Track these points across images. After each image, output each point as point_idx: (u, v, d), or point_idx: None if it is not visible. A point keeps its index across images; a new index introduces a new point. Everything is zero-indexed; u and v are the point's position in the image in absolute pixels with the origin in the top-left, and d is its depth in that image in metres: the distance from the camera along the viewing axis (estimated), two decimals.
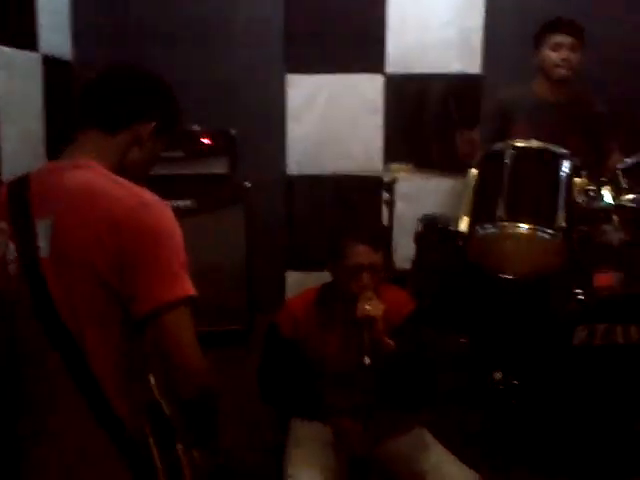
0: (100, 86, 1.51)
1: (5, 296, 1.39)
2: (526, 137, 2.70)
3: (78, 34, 3.70)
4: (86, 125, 1.46)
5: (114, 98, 1.48)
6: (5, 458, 1.43)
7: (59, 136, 3.44)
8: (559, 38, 2.98)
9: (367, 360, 1.88)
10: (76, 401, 1.32)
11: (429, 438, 2.14)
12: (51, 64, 3.34)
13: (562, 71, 3.01)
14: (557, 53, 2.99)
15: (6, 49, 2.84)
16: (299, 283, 3.77)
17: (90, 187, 1.36)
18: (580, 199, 2.42)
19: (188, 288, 1.33)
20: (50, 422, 1.38)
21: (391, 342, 1.99)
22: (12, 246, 1.38)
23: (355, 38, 3.85)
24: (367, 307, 1.96)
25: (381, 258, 2.06)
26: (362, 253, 2.04)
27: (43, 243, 1.34)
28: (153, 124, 1.48)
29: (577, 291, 2.39)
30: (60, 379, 1.32)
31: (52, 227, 1.34)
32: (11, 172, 2.83)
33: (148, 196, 1.37)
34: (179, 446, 1.36)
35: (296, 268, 3.98)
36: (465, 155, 3.02)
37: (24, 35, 3.12)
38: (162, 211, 1.36)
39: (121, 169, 1.46)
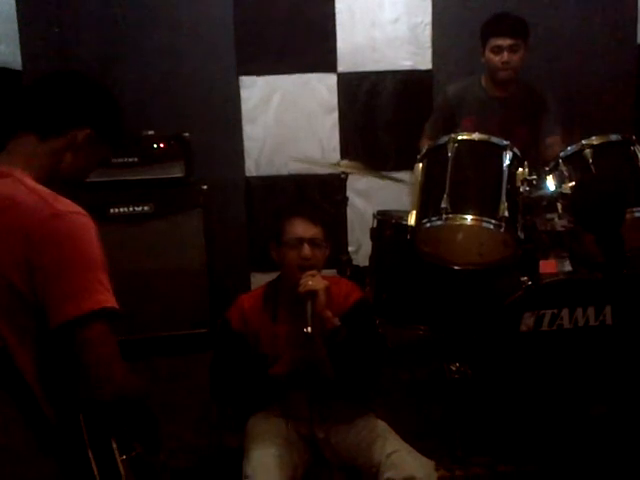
0: (35, 91, 1.51)
1: None
2: (471, 129, 2.76)
3: (27, 43, 3.68)
4: (19, 130, 1.46)
5: (48, 103, 1.48)
6: None
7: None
8: (498, 41, 3.02)
9: (309, 329, 1.91)
10: (3, 400, 1.31)
11: (385, 428, 2.17)
12: (1, 74, 3.31)
13: (503, 74, 3.08)
14: (498, 56, 3.04)
15: None
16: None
17: (5, 198, 1.36)
18: (523, 189, 2.47)
19: (101, 300, 1.30)
20: None
21: (335, 318, 2.02)
22: None
23: (306, 38, 3.89)
24: (309, 282, 2.00)
25: (321, 232, 2.10)
26: (299, 225, 2.09)
27: None
28: (88, 131, 1.47)
29: (523, 278, 2.43)
30: None
31: None
32: None
33: (62, 207, 1.35)
34: (114, 446, 1.35)
35: (259, 269, 3.99)
36: None
37: None
38: (75, 222, 1.34)
39: (54, 174, 1.46)
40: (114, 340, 1.32)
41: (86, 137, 1.48)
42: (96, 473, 1.32)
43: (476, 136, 2.55)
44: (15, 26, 3.64)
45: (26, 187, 1.38)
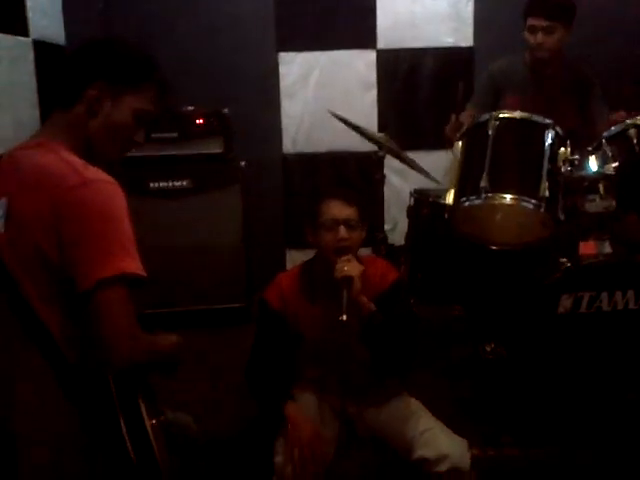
0: (60, 66, 1.54)
1: None
2: (515, 108, 2.70)
3: (71, 17, 3.72)
4: (54, 106, 1.49)
5: (63, 73, 1.49)
6: None
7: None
8: (533, 21, 2.96)
9: (344, 317, 1.91)
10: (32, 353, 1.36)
11: (418, 405, 2.18)
12: (43, 49, 3.36)
13: (537, 54, 3.02)
14: (533, 36, 2.98)
15: None
16: (298, 261, 3.80)
17: (39, 167, 1.39)
18: (565, 169, 2.42)
19: (122, 267, 1.32)
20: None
21: (370, 303, 2.02)
22: None
23: (346, 14, 3.87)
24: (345, 268, 1.99)
25: (356, 213, 2.08)
26: (335, 207, 2.07)
27: (0, 220, 1.39)
28: (99, 84, 1.44)
29: (562, 260, 2.40)
30: (19, 343, 1.37)
31: (7, 205, 1.39)
32: None
33: (90, 175, 1.36)
34: (143, 409, 1.38)
35: (295, 246, 4.02)
36: (449, 137, 3.03)
37: (14, 20, 3.12)
38: (102, 190, 1.35)
39: (88, 144, 1.47)
40: (130, 306, 1.33)
41: (99, 90, 1.45)
42: (125, 432, 1.35)
43: (518, 114, 2.51)
44: (59, 1, 3.69)
45: (58, 156, 1.40)
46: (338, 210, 2.07)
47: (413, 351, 2.15)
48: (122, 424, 1.34)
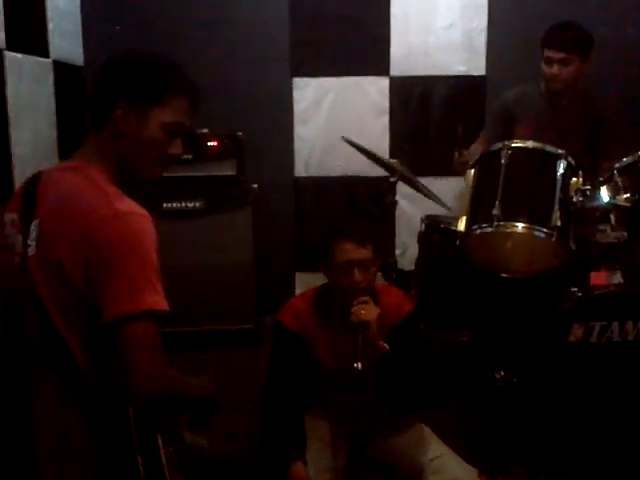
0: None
1: (10, 283, 1.45)
2: (528, 137, 2.73)
3: (89, 39, 3.79)
4: (86, 127, 1.50)
5: (92, 94, 1.49)
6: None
7: (71, 140, 3.53)
8: (550, 53, 2.98)
9: (359, 365, 1.90)
10: (58, 386, 1.37)
11: (428, 433, 2.17)
12: (62, 69, 3.42)
13: (552, 85, 3.05)
14: (549, 67, 3.00)
15: (18, 55, 2.91)
16: (308, 284, 3.80)
17: (72, 193, 1.40)
18: (576, 199, 2.45)
19: (149, 302, 1.31)
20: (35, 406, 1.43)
21: (385, 345, 2.02)
22: (20, 238, 1.44)
23: (360, 41, 3.91)
24: (362, 312, 1.98)
25: (370, 253, 2.05)
26: (349, 250, 2.04)
27: (32, 242, 1.40)
28: (122, 104, 1.42)
29: (573, 289, 2.41)
30: (44, 363, 1.38)
31: (38, 228, 1.40)
32: (23, 176, 2.89)
33: (123, 207, 1.35)
34: (160, 441, 1.37)
35: (305, 269, 4.03)
36: (457, 171, 3.08)
37: (35, 41, 3.19)
38: (134, 223, 1.35)
39: (122, 166, 1.46)
40: (157, 340, 1.33)
41: (123, 111, 1.42)
42: (140, 464, 1.35)
43: (530, 144, 2.54)
44: (79, 24, 3.77)
45: (93, 184, 1.40)
46: (352, 252, 2.03)
47: (426, 387, 2.13)
48: (137, 454, 1.34)
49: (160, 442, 1.37)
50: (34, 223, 1.41)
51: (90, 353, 1.38)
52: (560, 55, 2.96)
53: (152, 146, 1.46)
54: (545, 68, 3.02)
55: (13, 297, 1.46)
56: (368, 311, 1.99)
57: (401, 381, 2.02)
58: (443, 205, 3.16)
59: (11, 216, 1.50)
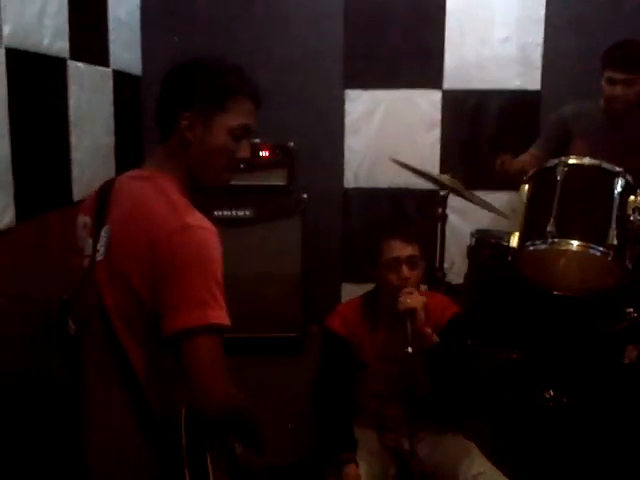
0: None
1: (78, 285, 1.48)
2: (584, 153, 2.69)
3: (147, 49, 3.90)
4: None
5: (157, 106, 1.50)
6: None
7: (128, 147, 3.62)
8: (612, 74, 2.93)
9: (410, 349, 1.94)
10: (116, 392, 1.38)
11: (473, 448, 2.16)
12: (121, 79, 3.51)
13: (615, 105, 2.99)
14: (611, 87, 2.95)
15: (79, 64, 3.00)
16: (354, 295, 3.83)
17: (142, 202, 1.41)
18: (634, 217, 2.39)
19: (211, 316, 1.31)
20: (94, 410, 1.46)
21: (434, 334, 2.04)
22: (90, 242, 1.47)
23: (413, 54, 3.92)
24: (408, 300, 2.03)
25: (417, 250, 2.13)
26: (396, 247, 2.12)
27: (101, 247, 1.42)
28: (187, 114, 1.43)
29: (629, 310, 2.36)
30: (105, 367, 1.40)
31: (108, 234, 1.42)
32: (81, 181, 2.99)
33: (192, 220, 1.35)
34: (209, 459, 1.36)
35: (351, 280, 4.03)
36: (500, 176, 3.09)
37: (96, 51, 3.28)
38: (200, 237, 1.34)
39: (191, 175, 1.47)
40: (220, 355, 1.32)
41: (188, 120, 1.44)
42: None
43: (587, 161, 2.50)
44: (138, 35, 3.88)
45: (163, 195, 1.41)
46: (400, 249, 2.11)
47: (471, 385, 2.14)
48: (186, 468, 1.33)
49: (209, 459, 1.36)
50: (104, 228, 1.43)
51: (151, 367, 1.39)
52: (624, 76, 2.90)
53: (219, 152, 1.47)
54: (607, 88, 2.96)
55: (79, 301, 1.48)
56: (414, 299, 2.04)
57: (448, 372, 2.03)
58: (501, 214, 3.13)
59: (84, 219, 1.52)
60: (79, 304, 1.48)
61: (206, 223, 1.38)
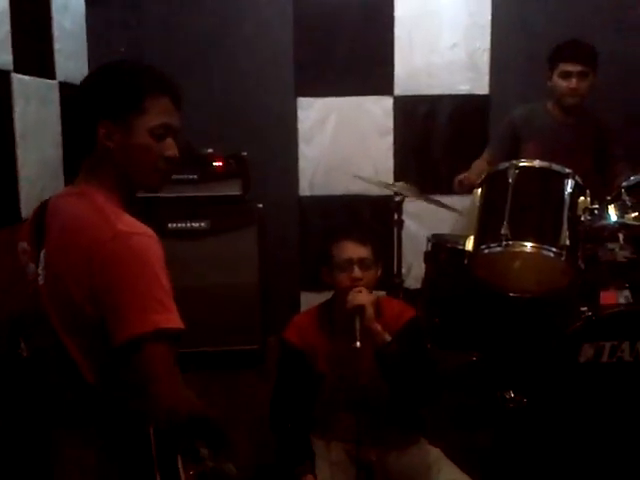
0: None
1: (26, 311, 1.46)
2: (535, 155, 2.74)
3: (94, 60, 3.81)
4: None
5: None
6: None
7: (77, 161, 3.53)
8: (568, 67, 3.01)
9: (358, 344, 1.93)
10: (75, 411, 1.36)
11: (439, 454, 2.16)
12: (68, 90, 3.43)
13: (571, 100, 3.07)
14: (566, 82, 3.03)
15: (25, 77, 2.92)
16: (313, 303, 3.80)
17: (75, 220, 1.39)
18: (585, 218, 2.44)
19: (157, 321, 1.27)
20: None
21: (384, 332, 2.03)
22: (32, 267, 1.44)
23: (364, 61, 3.93)
24: (357, 297, 2.02)
25: (370, 252, 2.12)
26: (349, 248, 2.12)
27: (41, 271, 1.40)
28: (103, 122, 1.39)
29: (583, 309, 2.40)
30: (62, 389, 1.38)
31: (45, 257, 1.40)
32: (29, 197, 2.90)
33: (123, 227, 1.33)
34: (180, 463, 1.35)
35: (310, 289, 4.02)
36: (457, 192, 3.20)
37: (41, 63, 3.20)
38: (135, 242, 1.31)
39: (123, 181, 1.43)
40: (170, 360, 1.29)
41: (106, 128, 1.40)
42: None
43: (537, 163, 2.54)
44: (84, 44, 3.79)
45: (93, 208, 1.38)
46: (352, 250, 2.11)
47: (430, 386, 2.14)
48: (157, 472, 1.31)
49: (180, 463, 1.34)
50: (42, 252, 1.41)
51: (107, 379, 1.36)
52: (579, 68, 2.99)
53: (145, 154, 1.43)
54: (561, 83, 3.04)
55: (26, 324, 1.46)
56: (362, 296, 2.03)
57: (402, 372, 2.03)
58: (455, 210, 3.23)
59: (22, 245, 1.50)
60: (28, 326, 1.46)
61: (140, 228, 1.35)
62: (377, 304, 2.09)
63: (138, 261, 1.30)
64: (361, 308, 2.01)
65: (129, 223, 1.35)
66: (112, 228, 1.32)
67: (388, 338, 2.03)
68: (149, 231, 1.35)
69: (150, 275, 1.30)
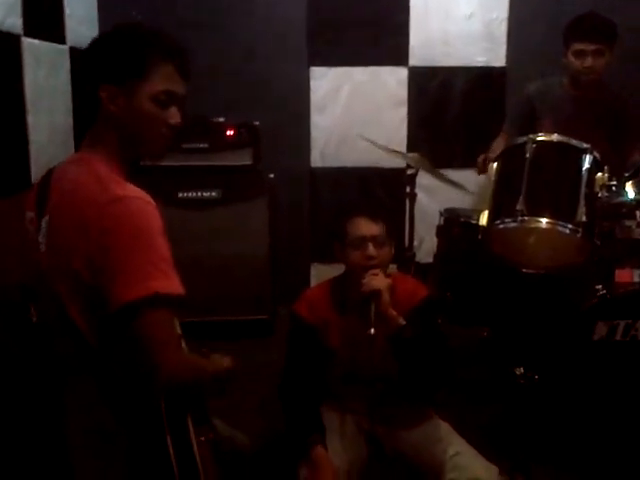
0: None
1: (34, 278, 1.46)
2: (551, 131, 2.69)
3: (105, 25, 3.75)
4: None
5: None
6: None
7: (87, 127, 3.50)
8: (582, 46, 2.93)
9: (372, 330, 1.90)
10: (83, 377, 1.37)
11: (448, 429, 2.16)
12: (78, 56, 3.39)
13: (585, 78, 2.99)
14: (580, 61, 2.95)
15: (35, 41, 2.88)
16: (323, 275, 3.79)
17: (75, 186, 1.38)
18: (602, 194, 2.40)
19: (155, 286, 1.25)
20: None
21: (399, 317, 2.00)
22: (36, 235, 1.44)
23: (379, 31, 3.86)
24: (372, 282, 1.99)
25: (383, 230, 2.09)
26: (362, 225, 2.08)
27: (42, 239, 1.40)
28: (105, 86, 1.38)
29: (598, 287, 2.38)
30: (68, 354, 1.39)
31: (47, 224, 1.40)
32: (39, 163, 2.89)
33: (120, 191, 1.31)
34: (191, 427, 1.35)
35: (320, 260, 4.02)
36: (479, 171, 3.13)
37: (52, 27, 3.16)
38: (132, 207, 1.30)
39: (127, 146, 1.42)
40: (170, 326, 1.29)
41: (108, 92, 1.39)
42: (172, 453, 1.32)
43: (555, 137, 2.50)
44: (95, 10, 3.73)
45: (93, 174, 1.37)
46: (365, 228, 2.08)
47: (443, 369, 2.12)
48: (169, 441, 1.31)
49: (190, 424, 1.34)
50: (44, 219, 1.41)
51: (110, 345, 1.36)
52: (594, 47, 2.91)
53: (148, 121, 1.41)
54: (575, 62, 2.96)
55: (35, 290, 1.46)
56: (378, 281, 2.00)
57: (416, 356, 2.01)
58: (467, 191, 3.16)
59: (29, 214, 1.50)
60: (38, 292, 1.46)
61: (137, 192, 1.33)
62: (392, 288, 2.06)
63: (135, 225, 1.28)
64: (377, 293, 1.98)
65: (128, 188, 1.34)
66: (111, 192, 1.30)
67: (402, 322, 2.01)
68: (147, 197, 1.34)
69: (148, 240, 1.28)
